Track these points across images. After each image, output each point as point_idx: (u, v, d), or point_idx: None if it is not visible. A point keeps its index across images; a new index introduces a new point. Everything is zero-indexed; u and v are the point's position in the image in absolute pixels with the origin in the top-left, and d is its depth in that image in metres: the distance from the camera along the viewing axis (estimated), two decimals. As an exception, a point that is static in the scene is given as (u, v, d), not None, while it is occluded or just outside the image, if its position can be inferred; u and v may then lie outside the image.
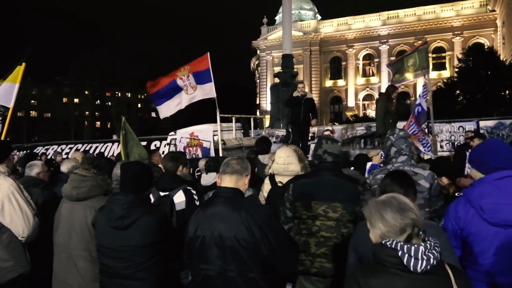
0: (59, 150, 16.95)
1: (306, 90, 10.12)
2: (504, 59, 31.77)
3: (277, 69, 30.45)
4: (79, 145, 18.09)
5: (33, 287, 3.82)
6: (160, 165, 5.58)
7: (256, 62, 60.30)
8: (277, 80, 19.40)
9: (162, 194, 3.65)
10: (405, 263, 1.72)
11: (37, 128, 66.07)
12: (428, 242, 1.76)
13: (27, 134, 58.60)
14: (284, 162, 4.12)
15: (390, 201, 1.83)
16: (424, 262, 1.71)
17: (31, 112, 71.53)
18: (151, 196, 3.64)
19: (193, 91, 8.13)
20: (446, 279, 1.75)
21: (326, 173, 3.22)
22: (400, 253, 1.74)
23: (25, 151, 17.21)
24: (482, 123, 12.26)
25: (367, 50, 52.17)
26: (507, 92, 27.83)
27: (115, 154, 12.30)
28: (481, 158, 2.63)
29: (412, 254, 1.72)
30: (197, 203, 3.63)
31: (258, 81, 59.07)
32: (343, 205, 3.11)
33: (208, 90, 7.92)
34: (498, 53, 32.70)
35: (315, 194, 3.16)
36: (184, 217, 3.49)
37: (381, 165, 5.07)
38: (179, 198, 3.59)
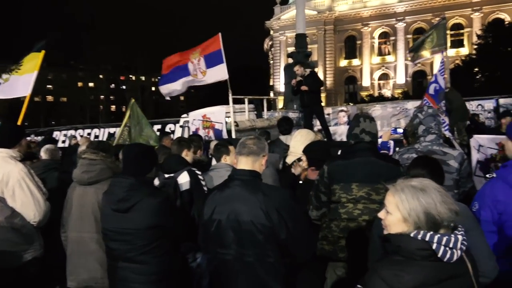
0: (76, 134, 17.12)
1: (302, 68, 9.12)
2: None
3: (291, 49, 30.08)
4: (96, 130, 18.18)
5: (49, 270, 3.89)
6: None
7: (270, 43, 59.64)
8: (290, 60, 19.11)
9: (166, 176, 3.65)
10: (439, 254, 1.62)
11: (54, 112, 67.13)
12: (460, 231, 1.68)
13: (44, 118, 59.66)
14: (294, 142, 4.07)
15: (432, 189, 1.69)
16: (459, 252, 1.64)
17: (47, 96, 72.45)
18: (156, 179, 3.62)
19: (203, 76, 8.00)
20: (465, 264, 1.71)
21: (365, 153, 3.00)
22: (435, 245, 1.62)
23: (41, 136, 17.43)
24: (502, 101, 11.96)
25: (383, 28, 51.08)
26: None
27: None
28: None
29: (451, 245, 1.62)
30: (203, 183, 3.62)
31: (271, 62, 58.53)
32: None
33: (219, 72, 7.80)
34: (519, 29, 31.66)
35: (355, 176, 2.95)
36: (190, 198, 3.49)
37: (391, 141, 4.98)
38: (184, 179, 3.58)
